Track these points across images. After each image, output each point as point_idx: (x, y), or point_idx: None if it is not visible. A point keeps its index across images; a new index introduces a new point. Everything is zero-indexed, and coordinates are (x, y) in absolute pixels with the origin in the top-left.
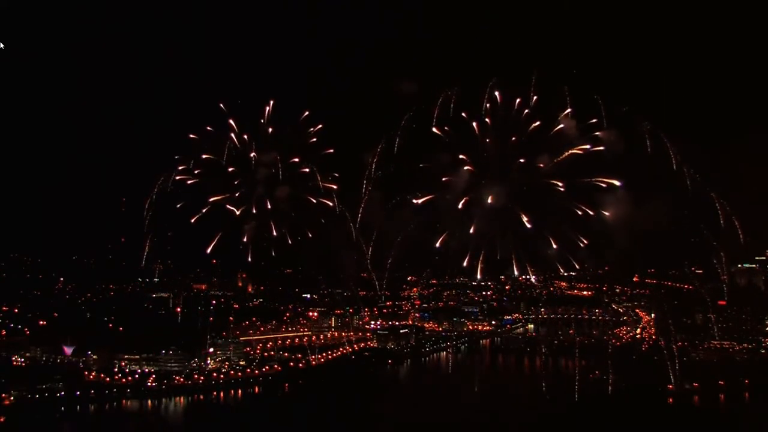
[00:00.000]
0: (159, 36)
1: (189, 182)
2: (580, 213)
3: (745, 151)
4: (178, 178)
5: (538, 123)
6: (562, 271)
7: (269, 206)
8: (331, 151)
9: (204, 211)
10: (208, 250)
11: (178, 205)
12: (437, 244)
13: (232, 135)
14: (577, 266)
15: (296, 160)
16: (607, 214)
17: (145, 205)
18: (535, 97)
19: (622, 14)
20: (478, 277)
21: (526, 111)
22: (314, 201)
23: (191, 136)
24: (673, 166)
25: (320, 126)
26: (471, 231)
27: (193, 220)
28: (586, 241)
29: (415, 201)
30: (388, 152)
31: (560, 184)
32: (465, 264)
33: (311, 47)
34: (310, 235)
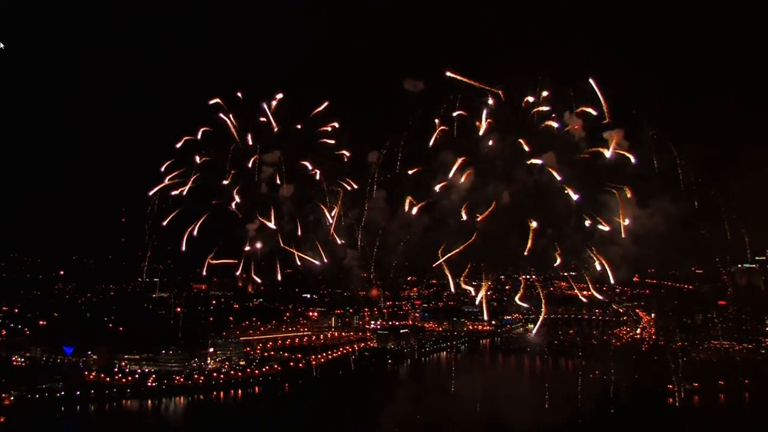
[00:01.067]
0: (158, 35)
1: (187, 188)
2: (589, 223)
3: (746, 149)
4: (174, 183)
5: (545, 123)
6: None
7: (273, 218)
8: (347, 153)
9: (204, 217)
10: (211, 258)
11: (164, 222)
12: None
13: (234, 132)
14: (594, 290)
15: (307, 164)
16: (626, 223)
17: (146, 208)
18: (544, 93)
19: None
20: (485, 315)
21: (534, 111)
22: (323, 207)
23: (188, 137)
24: (677, 168)
25: (335, 124)
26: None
27: (191, 229)
28: (610, 268)
29: (413, 209)
30: (392, 153)
31: (572, 192)
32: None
33: (311, 46)
34: (324, 257)
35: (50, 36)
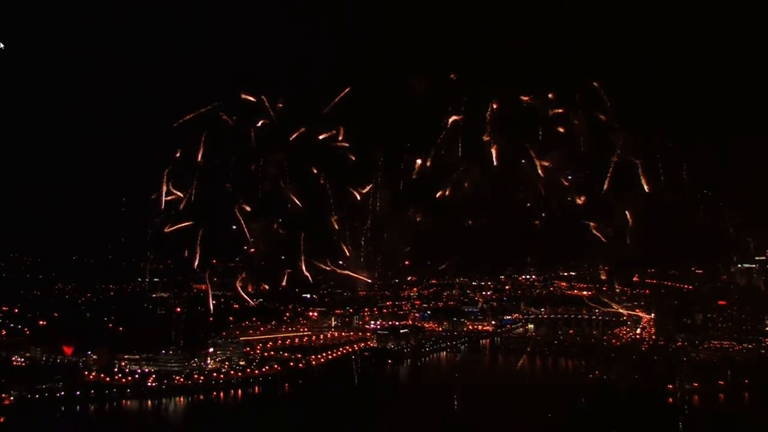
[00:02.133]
0: (158, 35)
1: (189, 193)
2: (596, 231)
3: (746, 148)
4: (176, 186)
5: (551, 126)
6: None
7: (275, 220)
8: (352, 157)
9: (206, 220)
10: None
11: (167, 229)
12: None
13: (236, 134)
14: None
15: (311, 166)
16: (630, 224)
17: (146, 209)
18: (549, 96)
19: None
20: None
21: (540, 113)
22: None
23: (189, 140)
24: (682, 170)
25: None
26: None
27: (194, 234)
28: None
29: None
30: (397, 154)
31: (577, 195)
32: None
33: (310, 46)
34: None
35: (50, 36)
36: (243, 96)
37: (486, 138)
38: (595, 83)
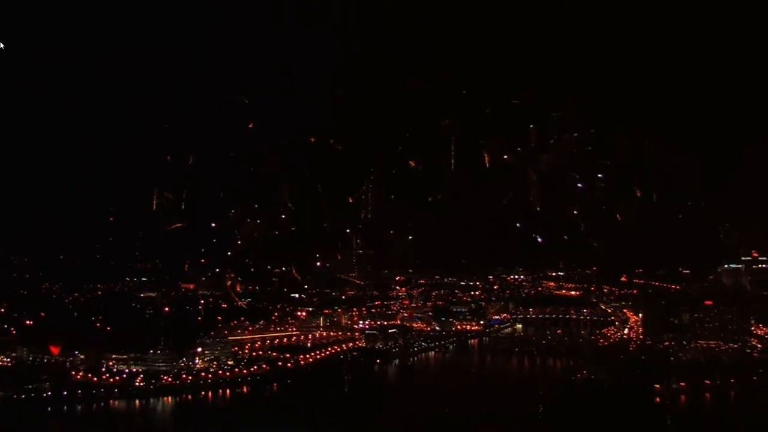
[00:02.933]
0: (156, 37)
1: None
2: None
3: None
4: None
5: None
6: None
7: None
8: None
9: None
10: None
11: (159, 230)
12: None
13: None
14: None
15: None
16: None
17: (138, 210)
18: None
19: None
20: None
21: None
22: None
23: (185, 140)
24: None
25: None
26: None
27: (186, 236)
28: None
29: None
30: (394, 154)
31: (573, 202)
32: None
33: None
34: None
35: (47, 36)
36: (238, 97)
37: (480, 141)
38: (590, 86)
